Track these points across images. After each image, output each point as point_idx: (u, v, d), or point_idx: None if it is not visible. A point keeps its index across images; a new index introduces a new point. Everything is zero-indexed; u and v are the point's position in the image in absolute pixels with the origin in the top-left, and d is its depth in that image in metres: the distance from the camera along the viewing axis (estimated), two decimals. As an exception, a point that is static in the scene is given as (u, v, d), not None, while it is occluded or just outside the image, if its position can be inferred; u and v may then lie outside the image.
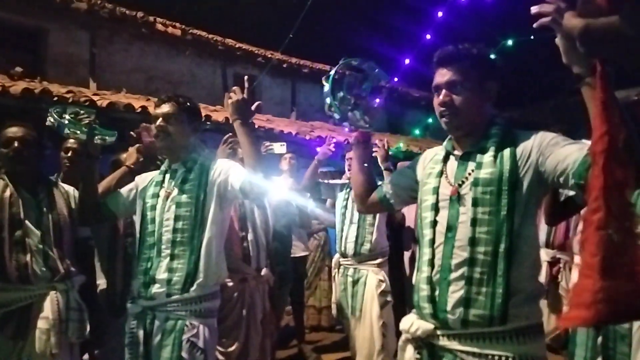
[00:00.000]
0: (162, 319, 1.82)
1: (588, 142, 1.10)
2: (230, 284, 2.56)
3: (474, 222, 1.30)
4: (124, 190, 2.08)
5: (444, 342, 1.33)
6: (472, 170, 1.36)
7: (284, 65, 8.69)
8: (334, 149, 3.24)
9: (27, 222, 2.04)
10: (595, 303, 0.89)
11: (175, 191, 1.91)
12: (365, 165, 1.69)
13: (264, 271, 2.87)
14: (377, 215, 3.08)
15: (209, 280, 1.87)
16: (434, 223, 1.39)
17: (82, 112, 2.03)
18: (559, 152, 1.24)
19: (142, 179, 2.08)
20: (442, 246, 1.35)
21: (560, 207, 2.07)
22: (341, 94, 1.54)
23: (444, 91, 1.38)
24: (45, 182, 2.22)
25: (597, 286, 0.89)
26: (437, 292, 1.34)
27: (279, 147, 3.08)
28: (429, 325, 1.34)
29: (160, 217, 1.90)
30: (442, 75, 1.39)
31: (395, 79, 6.72)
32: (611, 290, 0.88)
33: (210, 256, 1.86)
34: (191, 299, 1.83)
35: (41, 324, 1.96)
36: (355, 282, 3.09)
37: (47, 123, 2.01)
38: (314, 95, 9.40)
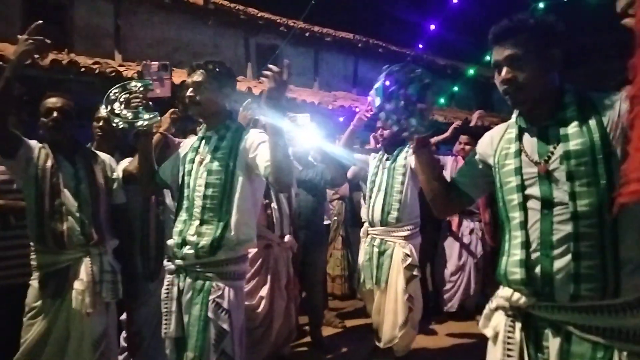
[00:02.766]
0: (193, 278, 1.92)
1: None
2: (255, 250, 2.63)
3: (573, 196, 1.25)
4: (170, 160, 2.15)
5: (547, 313, 1.30)
6: (557, 144, 1.30)
7: (307, 34, 8.58)
8: (370, 115, 3.12)
9: (66, 191, 2.14)
10: None
11: (208, 158, 1.96)
12: (434, 168, 1.59)
13: (287, 237, 2.94)
14: (406, 183, 3.04)
15: (237, 246, 1.92)
16: (524, 204, 1.34)
17: (133, 91, 2.05)
18: None
19: (184, 146, 2.15)
20: (539, 224, 1.30)
21: None
22: (391, 105, 1.47)
23: (505, 68, 1.32)
24: (83, 151, 2.31)
25: None
26: (537, 271, 1.29)
27: (302, 118, 3.04)
28: (531, 298, 1.31)
29: (194, 183, 1.96)
30: (501, 52, 1.33)
31: (420, 46, 6.58)
32: None
33: (238, 223, 1.91)
34: (218, 262, 1.90)
35: (77, 285, 2.08)
36: (381, 254, 3.07)
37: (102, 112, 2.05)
38: (337, 64, 9.29)
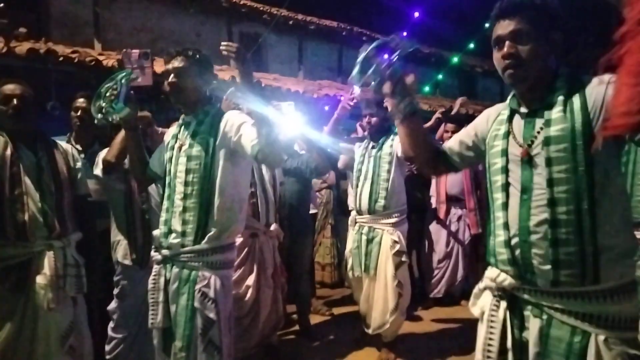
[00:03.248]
0: (179, 267, 1.90)
1: None
2: (241, 239, 2.62)
3: (551, 182, 1.25)
4: (157, 151, 2.14)
5: (529, 296, 1.31)
6: (541, 128, 1.30)
7: (290, 22, 8.50)
8: (354, 103, 3.12)
9: (27, 180, 2.06)
10: None
11: (187, 144, 1.93)
12: (420, 134, 1.60)
13: (273, 226, 2.93)
14: (392, 172, 3.05)
15: (222, 233, 1.90)
16: (506, 186, 1.35)
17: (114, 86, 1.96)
18: None
19: (167, 134, 2.13)
20: (517, 208, 1.31)
21: None
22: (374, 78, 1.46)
23: (507, 42, 1.30)
24: (45, 140, 2.22)
25: None
26: (517, 255, 1.31)
27: (287, 107, 3.03)
28: (516, 280, 1.33)
29: (174, 169, 1.94)
30: (505, 26, 1.31)
31: (404, 34, 6.56)
32: None
33: (222, 210, 1.88)
34: (203, 251, 1.87)
35: (39, 279, 2.01)
36: (369, 241, 3.09)
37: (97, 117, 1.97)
38: (321, 53, 9.24)
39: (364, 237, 3.12)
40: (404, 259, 3.03)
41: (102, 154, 2.49)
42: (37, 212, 2.06)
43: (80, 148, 2.79)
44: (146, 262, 2.48)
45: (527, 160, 1.31)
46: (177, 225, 1.90)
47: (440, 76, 8.05)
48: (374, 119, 3.15)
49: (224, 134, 1.89)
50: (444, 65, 8.34)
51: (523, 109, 1.37)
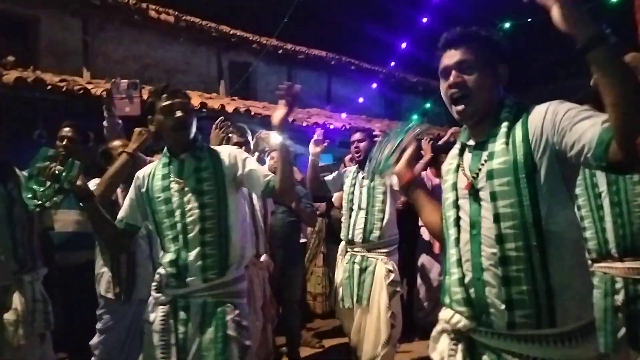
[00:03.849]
0: (199, 304, 1.85)
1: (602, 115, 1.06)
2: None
3: (497, 218, 1.20)
4: (132, 199, 2.01)
5: (486, 339, 1.24)
6: (485, 161, 1.27)
7: (280, 52, 8.62)
8: (322, 138, 3.11)
9: None
10: None
11: (192, 181, 1.90)
12: (431, 201, 1.54)
13: (263, 257, 2.88)
14: (387, 202, 3.03)
15: (241, 263, 1.94)
16: (457, 221, 1.31)
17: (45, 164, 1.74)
18: (573, 131, 1.12)
19: (141, 178, 2.02)
20: (469, 245, 1.26)
21: None
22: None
23: (454, 72, 1.30)
24: (14, 172, 2.15)
25: None
26: (472, 293, 1.25)
27: (277, 136, 3.02)
28: (472, 321, 1.26)
29: (181, 209, 1.88)
30: (451, 57, 1.31)
31: (392, 64, 6.69)
32: None
33: (237, 238, 1.92)
34: (228, 282, 1.88)
35: (8, 315, 1.94)
36: (363, 270, 3.03)
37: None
38: (311, 81, 9.34)
39: (356, 267, 3.06)
40: (398, 288, 2.99)
41: (91, 184, 2.44)
42: (7, 247, 1.98)
43: None
44: (129, 296, 2.41)
45: (473, 194, 1.28)
46: (195, 262, 1.84)
47: (427, 105, 8.17)
48: (362, 144, 3.14)
49: (230, 167, 1.93)
50: (431, 93, 8.49)
51: (471, 142, 1.35)
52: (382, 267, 2.98)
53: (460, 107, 1.29)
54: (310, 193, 3.53)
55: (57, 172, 1.72)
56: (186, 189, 1.89)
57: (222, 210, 1.89)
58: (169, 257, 1.88)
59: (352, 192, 3.16)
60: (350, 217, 3.13)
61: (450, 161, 1.41)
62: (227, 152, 1.97)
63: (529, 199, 1.18)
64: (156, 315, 1.87)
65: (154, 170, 1.98)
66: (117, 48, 6.93)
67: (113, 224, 1.97)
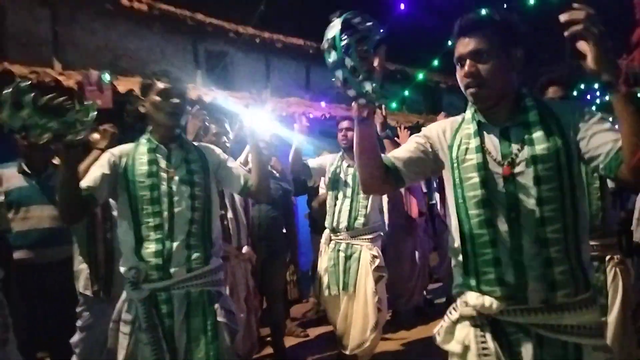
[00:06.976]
0: (182, 295, 1.85)
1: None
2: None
3: (540, 201, 1.25)
4: (104, 174, 1.84)
5: (519, 317, 1.28)
6: (521, 147, 1.30)
7: (257, 41, 8.50)
8: (306, 126, 3.07)
9: None
10: None
11: (182, 171, 1.90)
12: (372, 144, 1.41)
13: (245, 249, 2.87)
14: None
15: (217, 251, 2.00)
16: (487, 202, 1.30)
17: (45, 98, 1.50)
18: (598, 137, 1.24)
19: (117, 155, 1.89)
20: (507, 226, 1.28)
21: None
22: (350, 62, 1.20)
23: (468, 61, 1.30)
24: None
25: None
26: (510, 275, 1.27)
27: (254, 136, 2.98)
28: (502, 302, 1.27)
29: (169, 197, 1.85)
30: (466, 45, 1.31)
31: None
32: None
33: (216, 231, 2.00)
34: (210, 271, 1.92)
35: None
36: (348, 258, 3.06)
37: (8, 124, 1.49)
38: (289, 70, 9.27)
39: (341, 254, 3.09)
40: (383, 273, 3.04)
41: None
42: None
43: (30, 172, 2.67)
44: (108, 293, 2.37)
45: (511, 179, 1.30)
46: (180, 251, 1.83)
47: (406, 92, 8.19)
48: (350, 133, 3.13)
49: (212, 163, 1.99)
50: (409, 81, 8.51)
51: (493, 125, 1.35)
52: (367, 253, 3.03)
53: (474, 90, 1.32)
54: (291, 175, 3.55)
55: (68, 107, 1.47)
56: (175, 178, 1.88)
57: (207, 203, 1.93)
58: (152, 247, 1.82)
59: (337, 180, 3.17)
60: (335, 205, 3.14)
61: (465, 140, 1.37)
62: (209, 150, 2.04)
63: (569, 185, 1.27)
64: (138, 314, 1.81)
65: (134, 154, 1.89)
66: (88, 38, 6.72)
67: (81, 194, 1.75)
